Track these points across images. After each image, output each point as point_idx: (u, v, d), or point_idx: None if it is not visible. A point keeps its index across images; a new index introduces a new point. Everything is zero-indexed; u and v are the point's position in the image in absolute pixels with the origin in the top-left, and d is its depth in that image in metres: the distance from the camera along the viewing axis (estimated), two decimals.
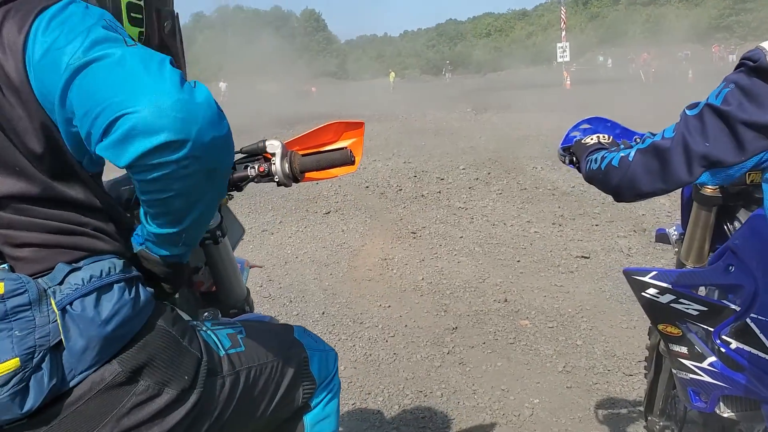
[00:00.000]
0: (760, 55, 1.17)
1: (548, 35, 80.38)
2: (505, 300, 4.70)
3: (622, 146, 1.47)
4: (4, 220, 1.08)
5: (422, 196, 8.24)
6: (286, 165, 1.57)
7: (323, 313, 4.60)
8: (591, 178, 1.56)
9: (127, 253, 1.21)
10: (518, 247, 6.00)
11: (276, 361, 1.42)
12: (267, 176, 1.59)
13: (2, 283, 1.01)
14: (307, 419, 1.52)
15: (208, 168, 1.03)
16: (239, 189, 1.66)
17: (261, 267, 2.78)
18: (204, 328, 1.34)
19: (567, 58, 35.61)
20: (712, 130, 1.23)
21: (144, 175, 0.99)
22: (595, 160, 1.52)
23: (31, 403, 1.01)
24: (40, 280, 1.07)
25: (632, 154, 1.39)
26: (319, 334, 4.19)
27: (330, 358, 1.61)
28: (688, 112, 1.30)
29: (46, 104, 1.04)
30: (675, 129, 1.31)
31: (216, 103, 1.02)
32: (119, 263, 1.15)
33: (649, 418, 2.40)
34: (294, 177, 1.59)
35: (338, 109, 27.32)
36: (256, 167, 1.60)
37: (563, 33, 35.70)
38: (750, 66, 1.19)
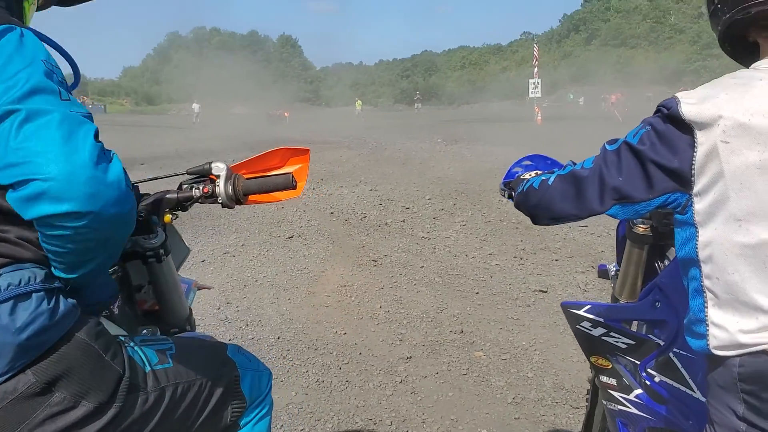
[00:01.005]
0: (673, 104, 1.26)
1: (522, 71, 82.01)
2: (461, 331, 4.74)
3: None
4: None
5: (386, 224, 8.29)
6: (230, 187, 1.61)
7: (278, 338, 4.59)
8: (517, 202, 1.62)
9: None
10: (478, 279, 6.06)
11: (205, 379, 1.43)
12: (211, 197, 1.62)
13: None
14: None
15: (104, 237, 1.13)
16: (184, 209, 1.68)
17: (210, 288, 2.77)
18: (131, 344, 1.34)
19: (539, 94, 36.30)
20: (627, 166, 1.31)
21: (43, 229, 1.08)
22: (522, 184, 1.59)
23: None
24: None
25: (552, 178, 1.47)
26: (272, 359, 4.19)
27: (263, 377, 1.62)
28: (607, 146, 1.38)
29: None
30: (594, 161, 1.39)
31: (126, 181, 1.13)
32: (40, 273, 1.15)
33: None
34: (237, 199, 1.62)
35: (309, 134, 27.43)
36: (201, 188, 1.63)
37: (535, 69, 36.39)
38: (665, 113, 1.27)
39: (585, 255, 6.78)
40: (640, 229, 1.87)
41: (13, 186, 1.04)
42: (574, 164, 1.46)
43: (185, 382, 1.38)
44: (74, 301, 1.21)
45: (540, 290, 5.67)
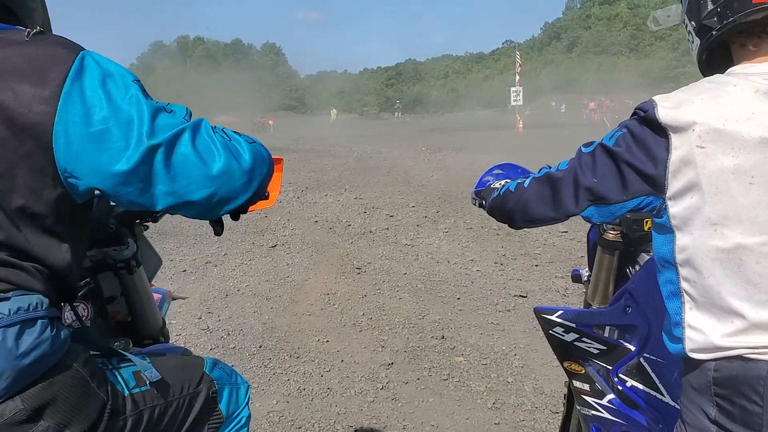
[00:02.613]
0: (650, 107, 1.26)
1: (504, 79, 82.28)
2: (443, 337, 4.76)
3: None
4: None
5: (370, 232, 8.31)
6: None
7: (260, 347, 4.58)
8: (491, 207, 1.63)
9: (53, 299, 1.21)
10: (459, 285, 6.09)
11: (182, 398, 1.42)
12: None
13: None
14: None
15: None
16: (155, 220, 1.70)
17: (185, 299, 2.75)
18: (110, 367, 1.33)
19: (520, 102, 36.52)
20: (601, 167, 1.32)
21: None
22: (497, 189, 1.61)
23: None
24: None
25: (527, 181, 1.48)
26: (253, 368, 4.19)
27: (241, 392, 1.62)
28: (583, 149, 1.39)
29: (66, 165, 1.11)
30: (569, 163, 1.40)
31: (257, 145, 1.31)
32: (45, 301, 1.15)
33: None
34: None
35: (294, 142, 27.40)
36: None
37: (517, 77, 36.62)
38: (641, 115, 1.28)
39: (565, 260, 6.83)
40: (611, 235, 1.90)
41: (178, 207, 1.19)
42: (550, 167, 1.48)
43: (162, 403, 1.36)
44: (69, 331, 1.21)
45: (520, 295, 5.71)
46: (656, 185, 1.26)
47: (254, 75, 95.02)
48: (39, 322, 1.11)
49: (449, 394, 3.88)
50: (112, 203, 1.68)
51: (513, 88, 36.21)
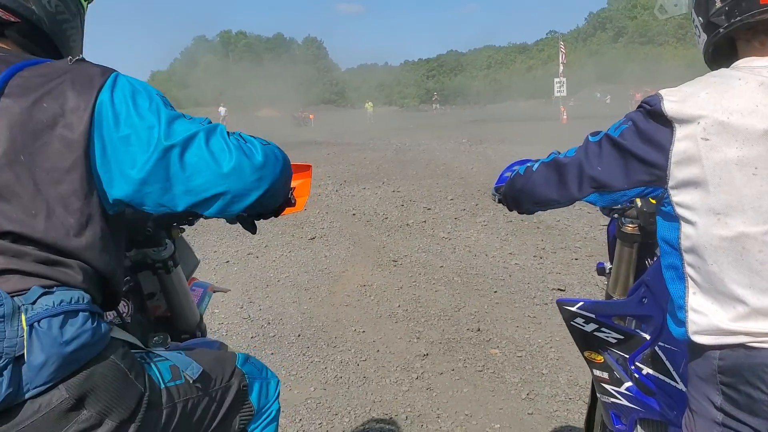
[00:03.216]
0: (656, 101, 1.31)
1: (548, 69, 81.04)
2: (478, 329, 4.83)
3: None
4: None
5: (407, 225, 8.40)
6: None
7: (299, 336, 4.73)
8: (504, 193, 1.71)
9: (96, 298, 1.31)
10: (497, 278, 6.14)
11: (215, 392, 1.51)
12: None
13: None
14: None
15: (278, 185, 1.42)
16: (190, 223, 1.82)
17: (227, 291, 2.90)
18: (147, 360, 1.41)
19: (564, 93, 35.96)
20: (606, 157, 1.38)
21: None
22: (510, 176, 1.69)
23: None
24: (16, 298, 1.16)
25: (536, 165, 1.57)
26: (292, 356, 4.33)
27: (271, 386, 1.70)
28: (590, 138, 1.46)
29: (101, 169, 1.25)
30: (576, 150, 1.47)
31: (266, 147, 1.39)
32: (87, 296, 1.26)
33: None
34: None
35: (334, 136, 27.63)
36: None
37: (561, 68, 36.12)
38: (647, 109, 1.33)
39: (605, 254, 6.73)
40: (629, 228, 1.95)
41: (205, 205, 1.29)
42: (559, 153, 1.54)
43: (195, 397, 1.44)
44: (108, 326, 1.31)
45: (558, 289, 5.73)
46: (658, 176, 1.31)
47: (295, 69, 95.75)
48: (80, 314, 1.21)
49: (483, 385, 3.95)
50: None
51: (557, 79, 35.70)
